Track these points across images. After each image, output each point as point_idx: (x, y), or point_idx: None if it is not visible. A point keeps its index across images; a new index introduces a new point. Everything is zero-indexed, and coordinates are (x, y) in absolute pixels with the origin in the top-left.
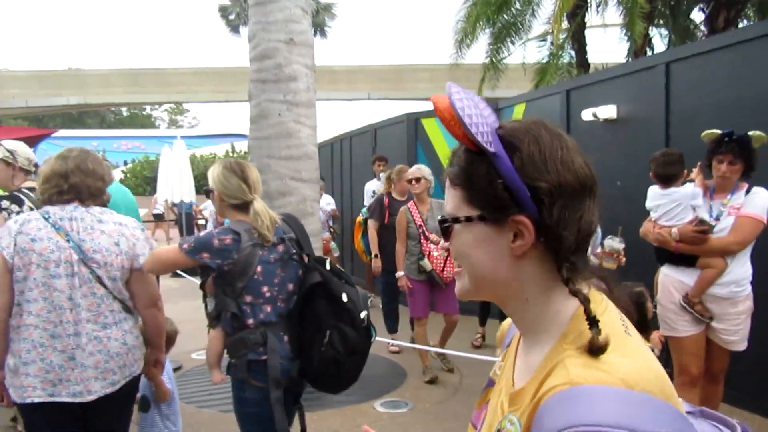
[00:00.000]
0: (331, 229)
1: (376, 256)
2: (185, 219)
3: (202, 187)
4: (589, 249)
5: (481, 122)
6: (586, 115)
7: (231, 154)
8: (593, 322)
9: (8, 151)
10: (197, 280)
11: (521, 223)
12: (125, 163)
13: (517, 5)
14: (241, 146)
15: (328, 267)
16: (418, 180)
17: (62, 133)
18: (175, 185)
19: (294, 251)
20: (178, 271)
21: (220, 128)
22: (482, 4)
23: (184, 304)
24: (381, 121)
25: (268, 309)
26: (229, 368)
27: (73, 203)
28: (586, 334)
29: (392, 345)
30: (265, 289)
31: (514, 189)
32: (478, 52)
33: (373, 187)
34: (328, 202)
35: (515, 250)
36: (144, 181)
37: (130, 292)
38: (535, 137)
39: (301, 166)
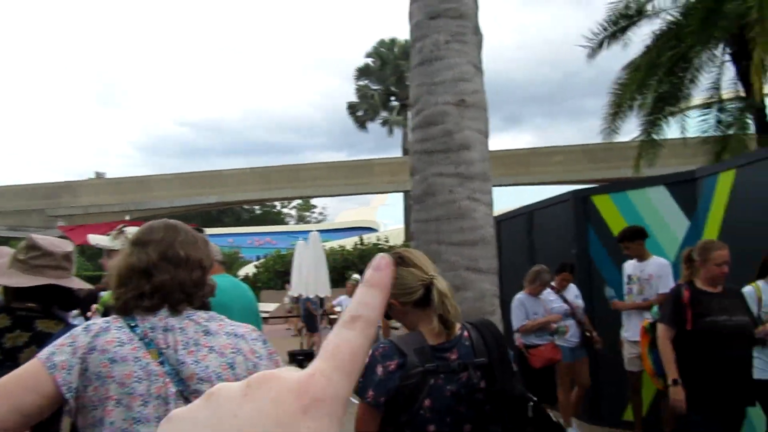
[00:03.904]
0: (587, 333)
1: (675, 382)
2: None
3: (334, 282)
4: None
5: None
6: None
7: (359, 247)
8: None
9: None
10: None
11: None
12: (257, 258)
13: (677, 71)
14: (370, 238)
15: (529, 413)
16: None
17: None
18: (309, 280)
19: (480, 385)
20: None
21: (346, 222)
22: (647, 66)
23: None
24: (538, 202)
25: None
26: None
27: (161, 310)
28: None
29: None
30: (431, 428)
31: None
32: (626, 129)
33: (629, 270)
34: (576, 295)
35: None
36: (276, 275)
37: None
38: None
39: (477, 253)
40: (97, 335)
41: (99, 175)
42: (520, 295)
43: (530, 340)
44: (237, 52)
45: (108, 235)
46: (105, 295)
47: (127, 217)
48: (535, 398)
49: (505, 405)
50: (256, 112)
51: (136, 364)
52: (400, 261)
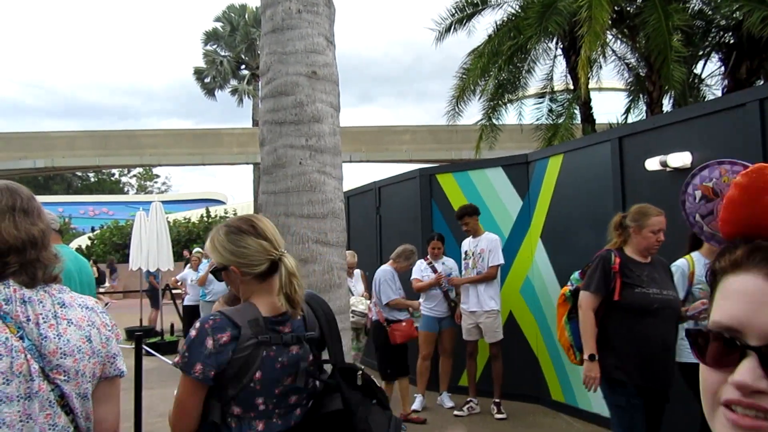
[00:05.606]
0: (452, 304)
1: (592, 357)
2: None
3: (178, 255)
4: None
5: None
6: (652, 164)
7: (206, 219)
8: None
9: None
10: (169, 361)
11: None
12: (92, 230)
13: (516, 61)
14: (217, 211)
15: (359, 381)
16: None
17: None
18: (151, 253)
19: (311, 357)
20: (149, 349)
21: (192, 193)
22: (489, 54)
23: (163, 391)
24: (386, 178)
25: (260, 426)
26: None
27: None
28: None
29: None
30: (259, 401)
31: None
32: (469, 113)
33: (465, 246)
34: (449, 267)
35: None
36: (113, 247)
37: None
38: None
39: (326, 226)
40: None
41: None
42: (388, 268)
43: (393, 315)
44: (70, 4)
45: None
46: None
47: None
48: (362, 367)
49: (340, 376)
50: (91, 72)
51: None
52: (252, 230)
